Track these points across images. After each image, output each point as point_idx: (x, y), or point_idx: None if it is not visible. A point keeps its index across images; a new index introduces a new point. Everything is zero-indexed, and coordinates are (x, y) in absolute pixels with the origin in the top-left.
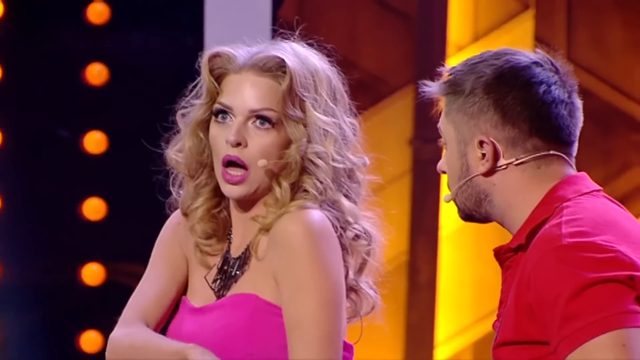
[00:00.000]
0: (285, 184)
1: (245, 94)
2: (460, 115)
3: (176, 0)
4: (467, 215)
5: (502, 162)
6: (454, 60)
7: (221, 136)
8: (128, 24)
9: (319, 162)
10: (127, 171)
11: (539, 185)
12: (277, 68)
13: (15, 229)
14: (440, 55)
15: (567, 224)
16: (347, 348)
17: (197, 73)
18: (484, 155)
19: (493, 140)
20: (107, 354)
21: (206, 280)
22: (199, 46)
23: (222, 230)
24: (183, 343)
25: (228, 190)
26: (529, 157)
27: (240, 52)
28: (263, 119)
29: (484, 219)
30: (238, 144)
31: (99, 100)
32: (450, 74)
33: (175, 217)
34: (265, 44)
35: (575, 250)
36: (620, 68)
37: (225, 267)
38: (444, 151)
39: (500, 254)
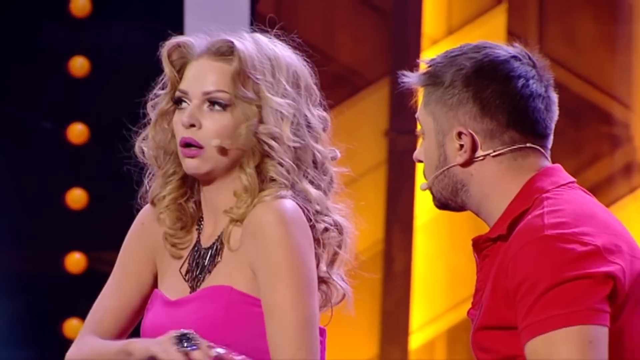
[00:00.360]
0: (249, 170)
1: (200, 78)
2: (439, 106)
3: None
4: (443, 204)
5: (479, 153)
6: (428, 54)
7: (179, 121)
8: (110, 18)
9: (273, 143)
10: (109, 161)
11: (515, 176)
12: (229, 52)
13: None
14: (415, 49)
15: (549, 214)
16: (321, 332)
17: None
18: (461, 146)
19: (471, 131)
20: None
21: (180, 273)
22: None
23: (190, 221)
24: (124, 340)
25: (186, 164)
26: (506, 149)
27: (199, 41)
28: (215, 101)
29: (460, 208)
30: (192, 125)
31: (81, 92)
32: (430, 66)
33: (139, 218)
34: (227, 33)
35: (557, 242)
36: (591, 61)
37: (197, 259)
38: (420, 141)
39: (479, 244)
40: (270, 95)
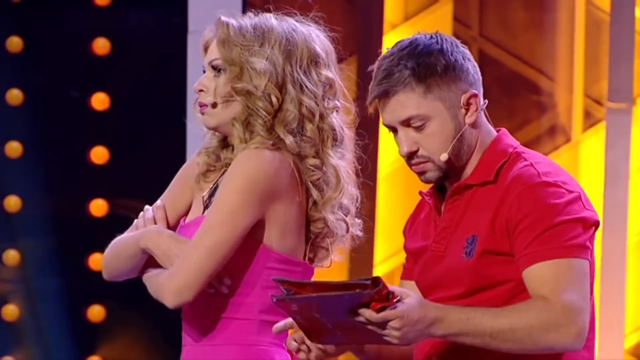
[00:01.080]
0: (237, 124)
1: (208, 52)
2: (443, 88)
3: None
4: (444, 174)
5: (481, 108)
6: (389, 37)
7: None
8: (127, 6)
9: (249, 97)
10: (127, 125)
11: (488, 131)
12: (219, 25)
13: (34, 171)
14: (378, 32)
15: (536, 165)
16: (299, 264)
17: (181, 44)
18: (467, 109)
19: (475, 91)
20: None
21: (202, 199)
22: (184, 24)
23: (218, 167)
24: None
25: (201, 119)
26: (484, 105)
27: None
28: (214, 66)
29: (459, 169)
30: (200, 90)
31: (103, 68)
32: (411, 69)
33: (193, 159)
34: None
35: (552, 187)
36: (522, 43)
37: (213, 191)
38: (404, 133)
39: (460, 189)
40: (251, 58)
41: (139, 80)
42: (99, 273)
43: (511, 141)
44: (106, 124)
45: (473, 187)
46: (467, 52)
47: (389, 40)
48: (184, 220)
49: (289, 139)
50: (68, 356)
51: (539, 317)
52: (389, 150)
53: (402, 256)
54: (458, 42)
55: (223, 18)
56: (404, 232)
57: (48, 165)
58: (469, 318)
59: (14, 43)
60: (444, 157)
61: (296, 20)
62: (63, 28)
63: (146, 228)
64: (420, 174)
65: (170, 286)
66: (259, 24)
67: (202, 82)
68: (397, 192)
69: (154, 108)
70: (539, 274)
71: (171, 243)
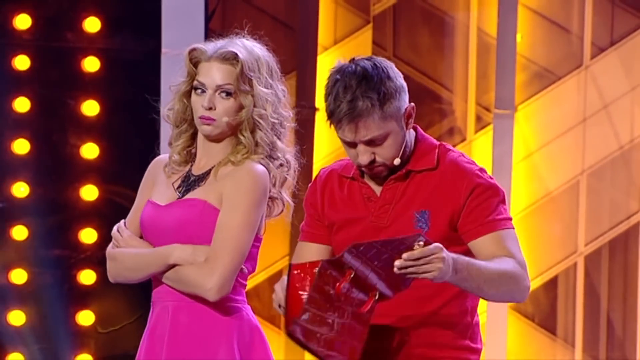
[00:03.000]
0: (246, 134)
1: (214, 75)
2: (395, 108)
3: (143, 15)
4: (394, 169)
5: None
6: (322, 57)
7: (199, 102)
8: (113, 31)
9: (261, 121)
10: (111, 126)
11: (411, 130)
12: (233, 58)
13: (39, 163)
14: (313, 53)
15: (464, 156)
16: (258, 239)
17: (156, 62)
18: (408, 118)
19: (411, 103)
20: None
21: (173, 187)
22: (158, 45)
23: (187, 160)
24: (164, 247)
25: (203, 129)
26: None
27: (209, 47)
28: (225, 91)
29: (400, 164)
30: (210, 108)
31: (93, 80)
32: (369, 102)
33: (148, 170)
34: (226, 40)
35: (485, 173)
36: (428, 61)
37: (188, 180)
38: (365, 149)
39: (401, 175)
40: (259, 86)
41: (122, 90)
42: (89, 244)
43: (430, 137)
44: (95, 125)
45: (412, 173)
46: (395, 67)
47: (322, 60)
48: (153, 200)
49: (279, 143)
50: (64, 311)
51: (514, 269)
52: (322, 146)
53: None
54: (388, 62)
55: (240, 55)
56: (313, 204)
57: (49, 159)
58: (471, 264)
59: (22, 61)
60: (397, 161)
61: (252, 42)
62: (61, 48)
63: (169, 246)
64: (375, 174)
65: (213, 285)
66: (252, 52)
67: (211, 100)
68: None
69: (133, 113)
70: (497, 240)
71: (194, 253)
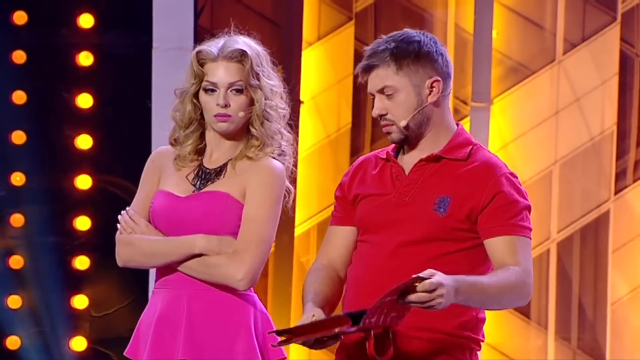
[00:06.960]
0: (258, 126)
1: (223, 74)
2: (412, 69)
3: (135, 12)
4: (405, 137)
5: (443, 93)
6: (307, 52)
7: (212, 101)
8: (106, 27)
9: (271, 112)
10: (106, 118)
11: (451, 119)
12: (240, 55)
13: (35, 153)
14: (298, 48)
15: (498, 158)
16: None
17: (147, 56)
18: (431, 90)
19: (439, 78)
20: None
21: (187, 179)
22: (150, 41)
23: (196, 156)
24: (186, 236)
25: (219, 126)
26: (449, 91)
27: (213, 48)
28: (236, 88)
29: (415, 137)
30: (226, 105)
31: (87, 74)
32: (390, 49)
33: (149, 159)
34: (224, 38)
35: (516, 178)
36: None
37: (202, 173)
38: (379, 100)
39: (431, 158)
40: (266, 79)
41: (115, 83)
42: (83, 231)
43: (469, 134)
44: (89, 117)
45: (443, 159)
46: (445, 51)
47: (307, 55)
48: (168, 191)
49: (285, 132)
50: (60, 295)
51: (516, 281)
52: (306, 138)
53: (315, 218)
54: (439, 41)
55: (247, 52)
56: (341, 186)
57: (45, 149)
58: (473, 284)
59: (19, 55)
60: (402, 123)
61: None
62: (56, 44)
63: (193, 236)
64: (387, 133)
65: (244, 275)
66: (254, 48)
67: (225, 97)
68: (313, 170)
69: (126, 105)
70: (507, 245)
71: (220, 244)
